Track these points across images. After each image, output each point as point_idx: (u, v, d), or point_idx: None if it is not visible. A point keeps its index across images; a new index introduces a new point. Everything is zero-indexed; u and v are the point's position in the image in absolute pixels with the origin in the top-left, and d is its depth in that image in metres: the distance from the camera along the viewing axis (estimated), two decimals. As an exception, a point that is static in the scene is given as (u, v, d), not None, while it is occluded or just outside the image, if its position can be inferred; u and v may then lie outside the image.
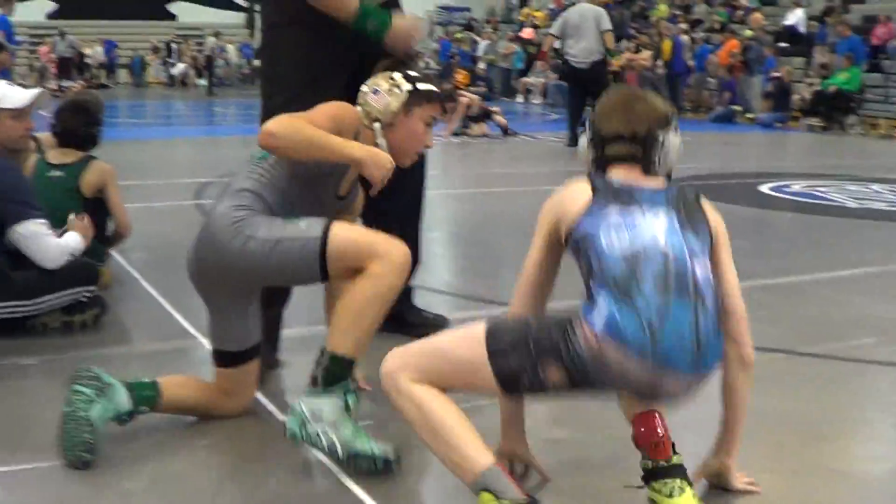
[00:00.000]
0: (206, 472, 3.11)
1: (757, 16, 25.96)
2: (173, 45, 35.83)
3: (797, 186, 10.35)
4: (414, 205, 4.38)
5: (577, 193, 2.80)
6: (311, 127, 3.15)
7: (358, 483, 2.98)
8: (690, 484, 2.70)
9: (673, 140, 2.84)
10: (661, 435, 2.70)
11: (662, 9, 30.71)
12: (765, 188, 10.05)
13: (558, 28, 13.64)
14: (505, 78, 29.20)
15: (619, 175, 2.81)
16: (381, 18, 3.95)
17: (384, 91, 3.37)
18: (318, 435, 2.98)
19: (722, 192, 9.60)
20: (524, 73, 28.76)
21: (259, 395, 3.63)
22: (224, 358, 3.42)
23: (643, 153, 2.81)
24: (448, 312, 4.66)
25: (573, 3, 14.11)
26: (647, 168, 2.82)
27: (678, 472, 2.69)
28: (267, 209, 3.21)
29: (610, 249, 2.65)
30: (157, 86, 34.03)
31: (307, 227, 3.11)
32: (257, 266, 3.15)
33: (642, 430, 2.72)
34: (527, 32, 30.10)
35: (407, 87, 3.38)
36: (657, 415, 2.73)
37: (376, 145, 3.35)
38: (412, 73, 3.45)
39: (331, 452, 2.99)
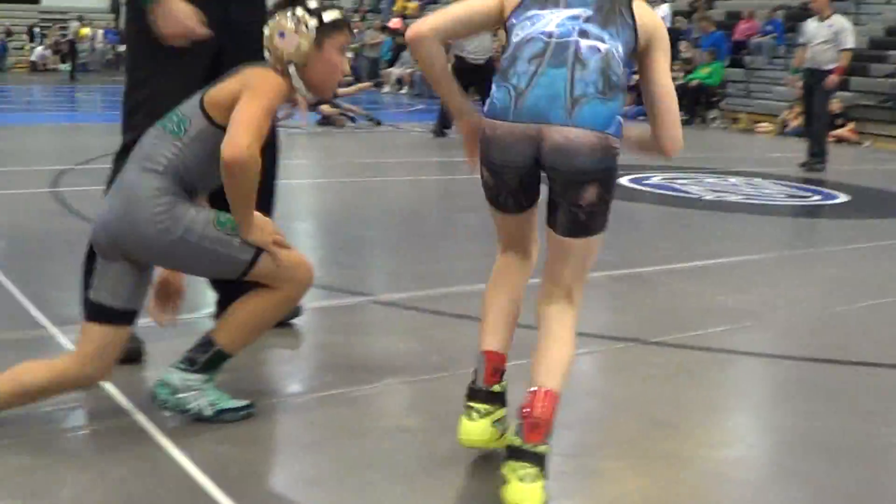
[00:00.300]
0: (52, 465, 3.03)
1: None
2: (36, 29, 34.97)
3: (657, 178, 10.59)
4: (264, 194, 4.29)
5: None
6: (252, 191, 3.15)
7: (206, 473, 2.95)
8: (543, 478, 2.74)
9: None
10: (545, 420, 2.76)
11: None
12: (625, 180, 10.18)
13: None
14: (372, 68, 29.12)
15: None
16: None
17: (290, 31, 3.26)
18: (186, 401, 3.33)
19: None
20: (391, 63, 28.75)
21: (111, 388, 3.58)
22: (103, 313, 3.27)
23: None
24: (310, 302, 4.64)
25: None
26: None
27: (539, 461, 2.74)
28: (185, 189, 3.23)
29: (510, 44, 2.96)
30: (19, 70, 33.19)
31: (240, 248, 3.24)
32: (180, 264, 3.36)
33: (534, 402, 2.78)
34: (394, 22, 30.07)
35: (313, 22, 3.28)
36: (554, 398, 2.79)
37: (294, 89, 3.31)
38: (312, 6, 3.32)
39: (200, 414, 3.34)
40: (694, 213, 8.65)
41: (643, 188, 9.90)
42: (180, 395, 3.32)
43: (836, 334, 4.92)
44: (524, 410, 2.78)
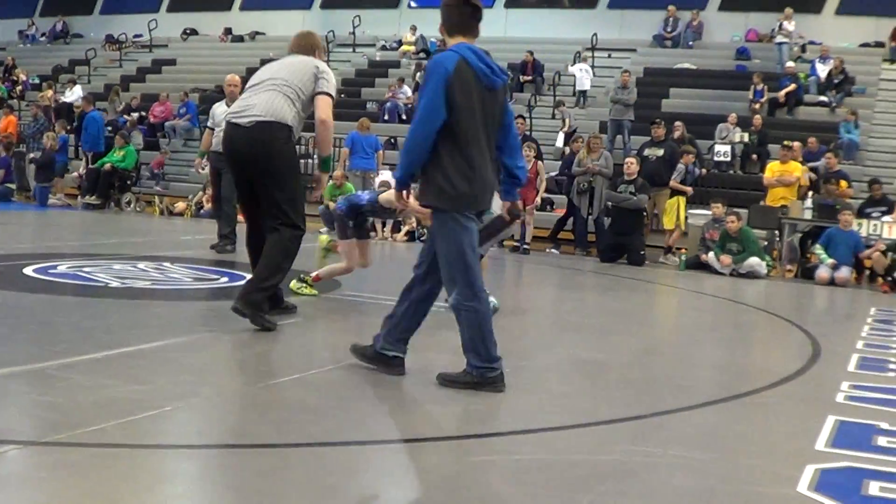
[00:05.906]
0: None
1: (44, 94, 25.92)
2: None
3: (63, 267, 10.27)
4: None
5: None
6: None
7: None
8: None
9: None
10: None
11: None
12: (29, 270, 9.83)
13: None
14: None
15: None
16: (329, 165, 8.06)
17: None
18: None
19: (-14, 276, 9.33)
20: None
21: None
22: None
23: None
24: None
25: None
26: None
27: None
28: None
29: None
30: None
31: None
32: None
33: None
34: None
35: None
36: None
37: None
38: None
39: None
40: (99, 301, 8.43)
41: (47, 278, 9.50)
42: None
43: (238, 418, 5.01)
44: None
